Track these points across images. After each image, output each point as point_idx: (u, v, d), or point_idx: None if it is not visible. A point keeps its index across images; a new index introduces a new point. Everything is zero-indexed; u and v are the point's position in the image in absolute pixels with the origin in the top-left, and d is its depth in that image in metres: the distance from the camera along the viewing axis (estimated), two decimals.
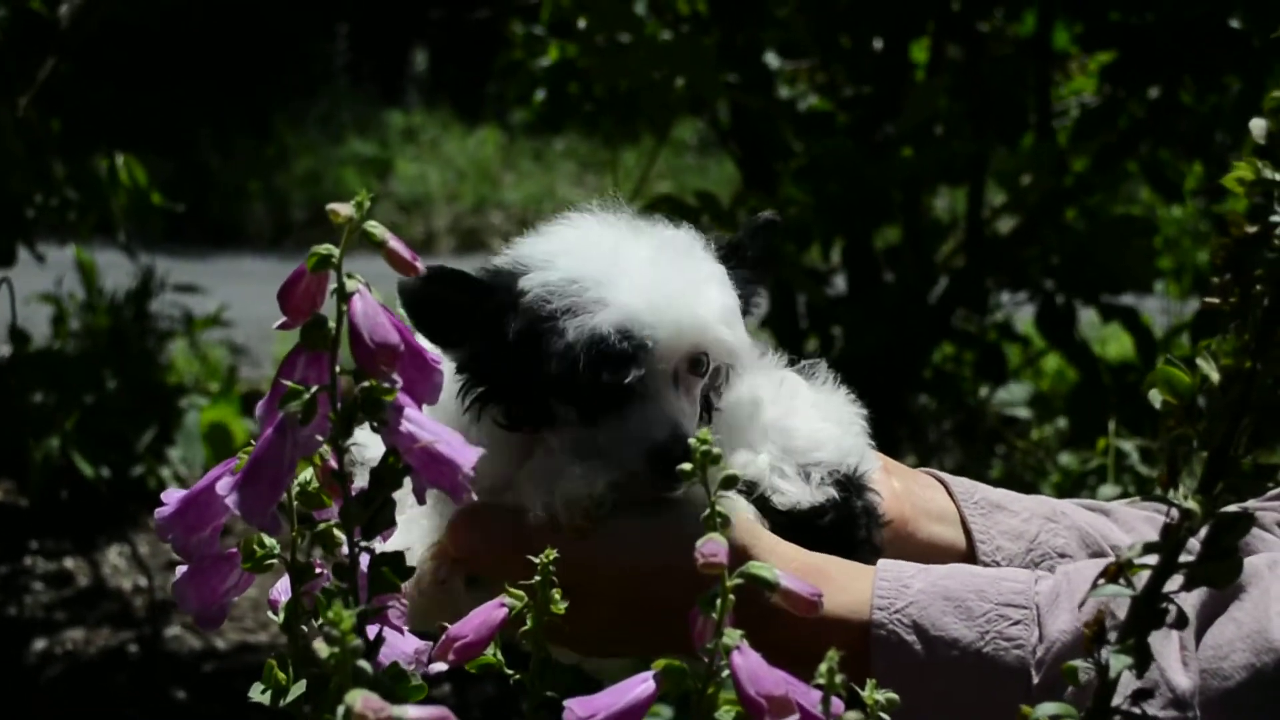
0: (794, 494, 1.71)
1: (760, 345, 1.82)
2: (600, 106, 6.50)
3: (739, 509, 1.63)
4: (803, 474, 1.73)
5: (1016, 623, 1.54)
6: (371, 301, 1.22)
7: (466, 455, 1.23)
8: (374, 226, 1.22)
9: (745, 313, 1.73)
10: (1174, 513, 1.18)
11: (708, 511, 1.22)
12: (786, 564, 1.45)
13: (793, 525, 1.69)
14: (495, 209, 14.83)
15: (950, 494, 1.85)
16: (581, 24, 4.77)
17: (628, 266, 1.64)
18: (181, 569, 1.50)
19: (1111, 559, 1.78)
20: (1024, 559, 1.79)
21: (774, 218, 1.79)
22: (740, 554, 1.45)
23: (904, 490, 1.82)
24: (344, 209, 1.22)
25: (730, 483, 1.25)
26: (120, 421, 4.76)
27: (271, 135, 14.97)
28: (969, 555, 1.79)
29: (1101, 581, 1.22)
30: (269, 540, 1.44)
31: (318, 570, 1.44)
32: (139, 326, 5.66)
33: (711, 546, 1.20)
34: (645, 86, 5.31)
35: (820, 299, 5.09)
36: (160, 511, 1.47)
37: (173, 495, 1.47)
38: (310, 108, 15.89)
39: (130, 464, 4.70)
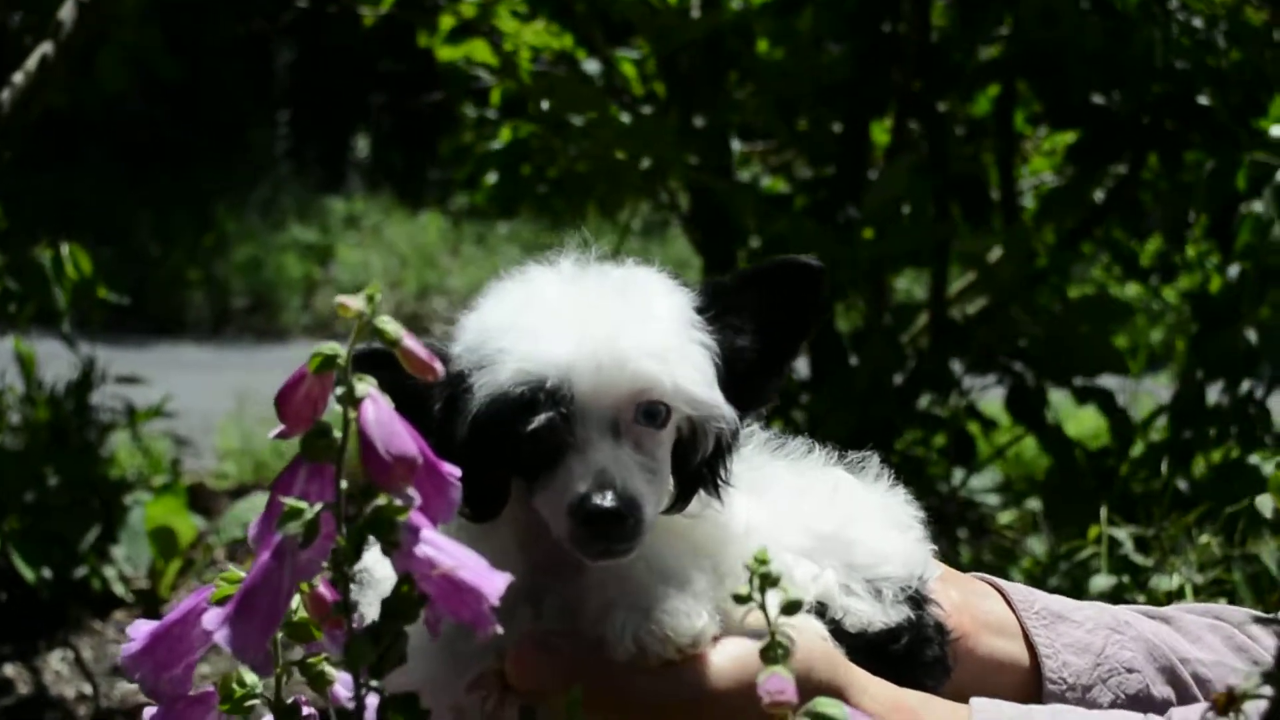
0: (866, 614, 1.55)
1: (805, 443, 1.65)
2: (553, 188, 6.40)
3: (810, 630, 1.48)
4: (872, 591, 1.57)
5: None
6: (385, 407, 1.07)
7: (492, 583, 1.07)
8: (387, 323, 1.07)
9: (727, 362, 1.49)
10: None
11: (767, 642, 1.08)
12: (878, 704, 1.31)
13: (863, 649, 1.52)
14: (438, 294, 14.66)
15: (1009, 603, 1.72)
16: (545, 105, 4.65)
17: (545, 310, 1.45)
18: (150, 712, 1.33)
19: (1178, 670, 1.66)
20: (1091, 674, 1.65)
21: (811, 262, 1.54)
22: (827, 692, 1.30)
23: (962, 601, 1.68)
24: (354, 302, 1.06)
25: (793, 609, 1.10)
26: (62, 520, 4.55)
27: (212, 223, 14.79)
28: (1034, 671, 1.66)
29: (1210, 716, 1.08)
30: (250, 678, 1.28)
31: (305, 712, 1.29)
32: (80, 419, 5.46)
33: (776, 682, 1.05)
34: (607, 167, 5.22)
35: (785, 382, 4.96)
36: (127, 648, 1.31)
37: (140, 629, 1.31)
38: (251, 194, 15.72)
39: (73, 565, 4.49)
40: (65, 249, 4.26)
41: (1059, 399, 5.49)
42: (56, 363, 5.43)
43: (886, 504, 1.65)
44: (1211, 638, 1.72)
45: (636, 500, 1.39)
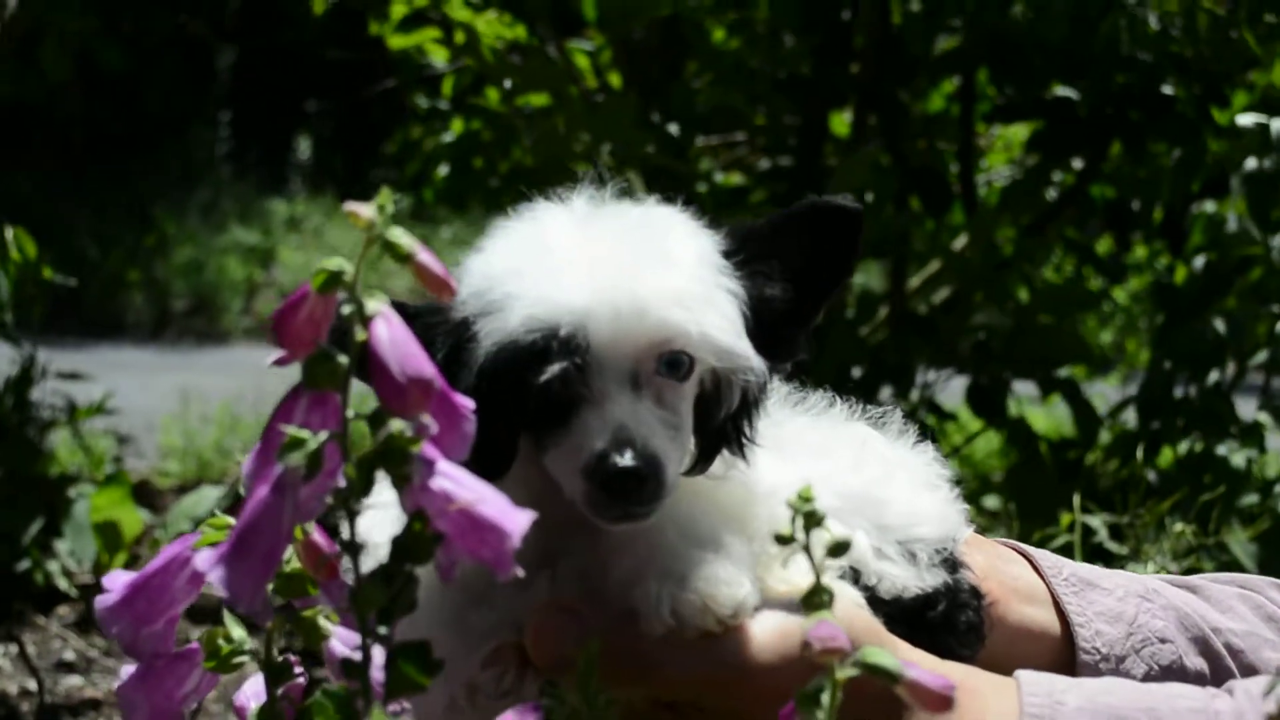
0: (901, 579, 1.46)
1: (825, 395, 1.56)
2: (504, 182, 6.30)
3: (845, 597, 1.38)
4: (906, 554, 1.48)
5: None
6: (399, 326, 0.97)
7: (515, 520, 0.98)
8: (400, 235, 0.98)
9: (755, 311, 1.38)
10: None
11: (810, 587, 0.99)
12: None
13: (898, 616, 1.43)
14: None
15: (1037, 569, 1.64)
16: (508, 83, 4.55)
17: (558, 251, 1.33)
18: (128, 670, 1.22)
19: (1211, 640, 1.59)
20: (1124, 644, 1.58)
21: (849, 204, 1.43)
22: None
23: (989, 566, 1.60)
24: (365, 210, 0.97)
25: (840, 550, 1.01)
26: (4, 514, 4.42)
27: (152, 224, 14.60)
28: (1065, 640, 1.58)
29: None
30: (237, 633, 1.18)
31: (297, 671, 1.19)
32: (20, 415, 5.31)
33: (826, 629, 0.96)
34: (559, 161, 5.13)
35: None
36: (102, 599, 1.20)
37: (117, 579, 1.20)
38: (192, 196, 15.54)
39: (15, 559, 4.36)
40: (10, 233, 4.13)
41: (1019, 394, 5.45)
42: None
43: (915, 461, 1.56)
44: (1241, 607, 1.65)
45: (658, 459, 1.28)
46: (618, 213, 1.39)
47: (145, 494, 5.61)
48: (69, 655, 4.11)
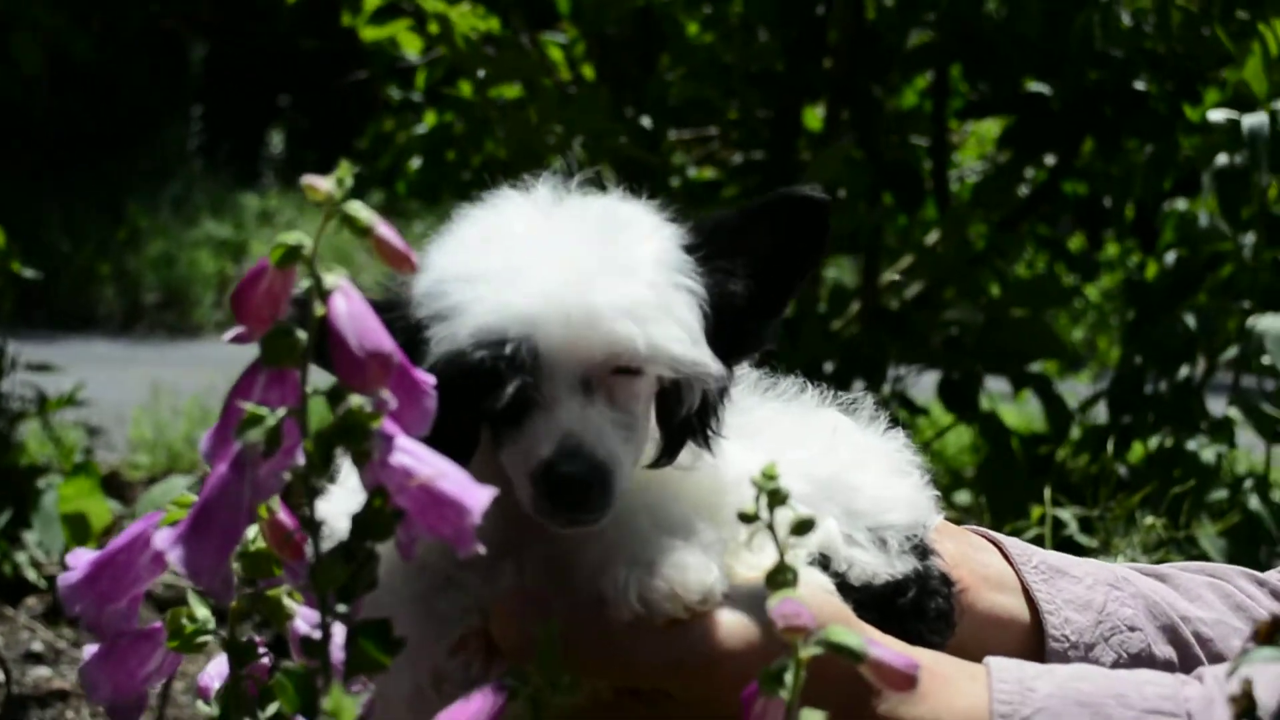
0: (871, 565, 1.46)
1: (795, 382, 1.55)
2: (476, 175, 6.28)
3: (813, 583, 1.38)
4: (877, 540, 1.47)
5: None
6: (358, 300, 0.96)
7: (475, 496, 0.97)
8: (358, 208, 0.97)
9: (717, 308, 1.36)
10: None
11: (775, 566, 0.98)
12: None
13: (868, 602, 1.43)
14: None
15: (1007, 557, 1.64)
16: (481, 74, 4.54)
17: (511, 251, 1.31)
18: (91, 649, 1.21)
19: (1180, 629, 1.59)
20: (1094, 632, 1.58)
21: (816, 194, 1.42)
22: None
23: (959, 554, 1.60)
24: (322, 183, 0.96)
25: (804, 528, 1.01)
26: None
27: (123, 217, 14.53)
28: (1035, 628, 1.58)
29: (1250, 645, 1.01)
30: (200, 612, 1.17)
31: (261, 650, 1.18)
32: None
33: (790, 606, 0.96)
34: (531, 154, 5.12)
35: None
36: (65, 577, 1.19)
37: (80, 557, 1.19)
38: (163, 189, 15.46)
39: None
40: None
41: (989, 390, 5.46)
42: None
43: (885, 448, 1.56)
44: (1210, 595, 1.66)
45: (606, 466, 1.27)
46: (578, 208, 1.38)
47: (115, 485, 5.59)
48: (37, 646, 4.09)
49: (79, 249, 13.72)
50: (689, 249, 1.38)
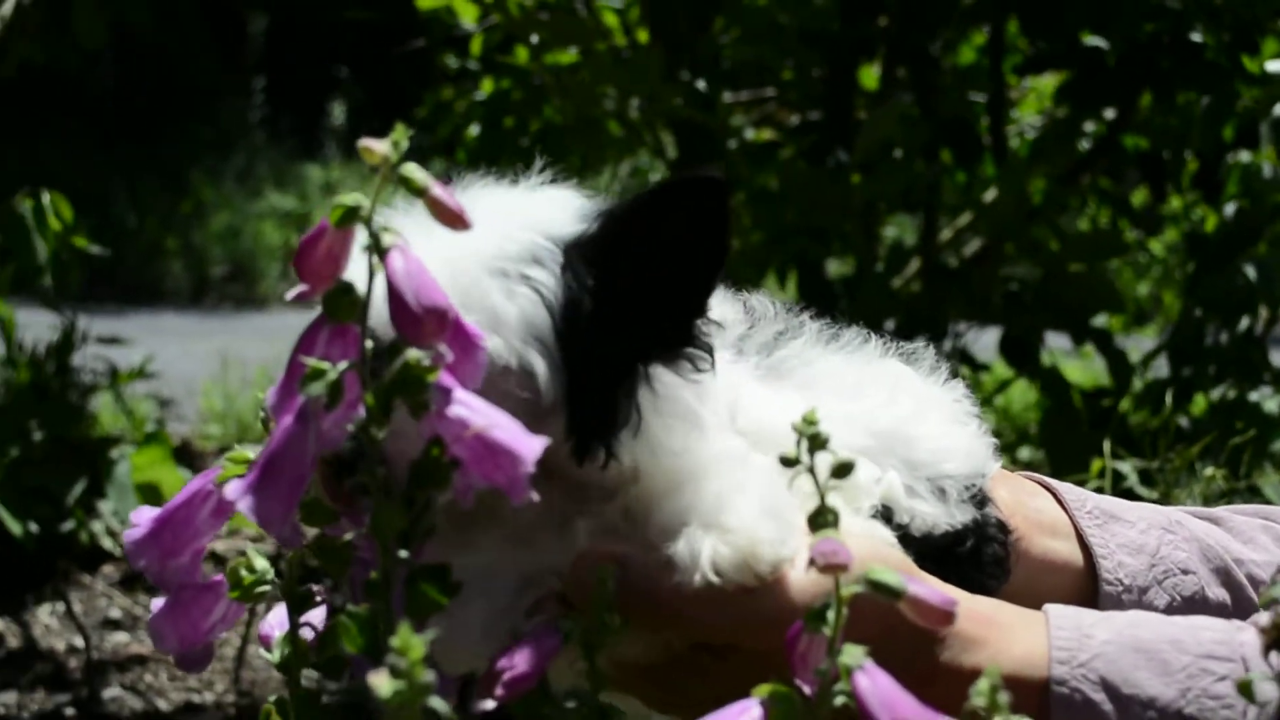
0: (932, 516, 1.47)
1: (858, 332, 1.56)
2: (534, 142, 6.31)
3: (877, 537, 1.39)
4: (936, 491, 1.49)
5: (1222, 678, 1.30)
6: (415, 258, 1.01)
7: (529, 445, 1.01)
8: (413, 170, 1.01)
9: (568, 306, 1.26)
10: None
11: (816, 509, 1.02)
12: None
13: (929, 553, 1.43)
14: None
15: (1060, 502, 1.66)
16: (535, 39, 4.57)
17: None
18: (157, 602, 1.26)
19: (1233, 571, 1.61)
20: (1147, 575, 1.60)
21: (712, 174, 1.28)
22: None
23: (1013, 500, 1.62)
24: (379, 145, 1.00)
25: (844, 470, 1.04)
26: (48, 475, 4.48)
27: (188, 191, 14.67)
28: (1088, 572, 1.60)
29: None
30: (259, 563, 1.22)
31: (319, 599, 1.23)
32: (62, 380, 5.38)
33: (829, 544, 0.99)
34: (587, 122, 5.15)
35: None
36: (130, 534, 1.23)
37: (143, 514, 1.24)
38: (226, 162, 15.60)
39: (60, 519, 4.42)
40: (46, 197, 4.18)
41: (1051, 346, 5.46)
42: (34, 329, 5.36)
43: (945, 397, 1.58)
44: (1264, 538, 1.67)
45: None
46: (480, 199, 1.33)
47: (187, 455, 5.68)
48: (115, 613, 4.19)
49: (144, 223, 13.86)
50: (566, 245, 1.31)
